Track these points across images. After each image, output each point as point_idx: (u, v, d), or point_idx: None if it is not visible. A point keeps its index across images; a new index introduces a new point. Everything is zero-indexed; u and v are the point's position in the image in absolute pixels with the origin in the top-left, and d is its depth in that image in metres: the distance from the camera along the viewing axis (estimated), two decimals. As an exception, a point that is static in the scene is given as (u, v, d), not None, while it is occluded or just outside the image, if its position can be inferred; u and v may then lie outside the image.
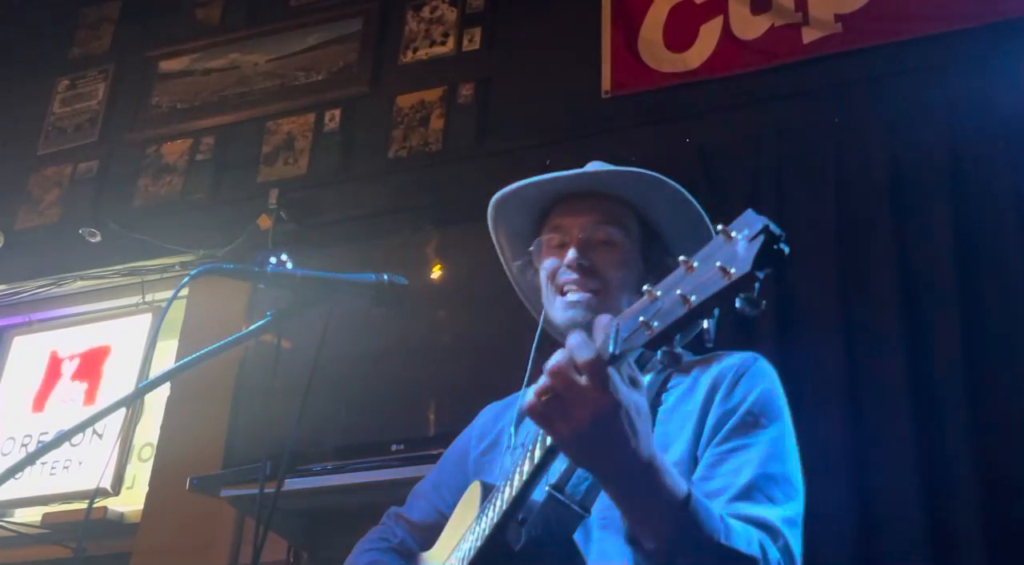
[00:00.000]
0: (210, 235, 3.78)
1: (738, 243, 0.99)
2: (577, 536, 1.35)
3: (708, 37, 3.35)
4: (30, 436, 3.89)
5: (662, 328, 1.06)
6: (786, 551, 1.32)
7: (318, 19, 4.12)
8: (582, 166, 1.74)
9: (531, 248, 1.72)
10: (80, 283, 4.06)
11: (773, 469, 1.40)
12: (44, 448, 1.97)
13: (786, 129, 3.02)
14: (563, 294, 1.62)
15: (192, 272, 1.69)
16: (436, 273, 3.21)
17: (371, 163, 3.74)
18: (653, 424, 1.51)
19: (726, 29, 3.34)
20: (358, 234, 3.55)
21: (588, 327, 1.19)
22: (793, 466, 1.45)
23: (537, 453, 1.28)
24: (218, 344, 1.68)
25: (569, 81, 3.52)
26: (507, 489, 1.35)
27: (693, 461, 1.46)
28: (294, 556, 3.18)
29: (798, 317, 2.73)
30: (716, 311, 1.02)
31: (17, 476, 1.60)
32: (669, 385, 1.56)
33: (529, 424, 1.62)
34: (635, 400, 1.16)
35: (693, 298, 1.02)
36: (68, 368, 4.03)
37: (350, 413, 3.07)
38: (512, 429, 1.70)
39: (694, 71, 3.33)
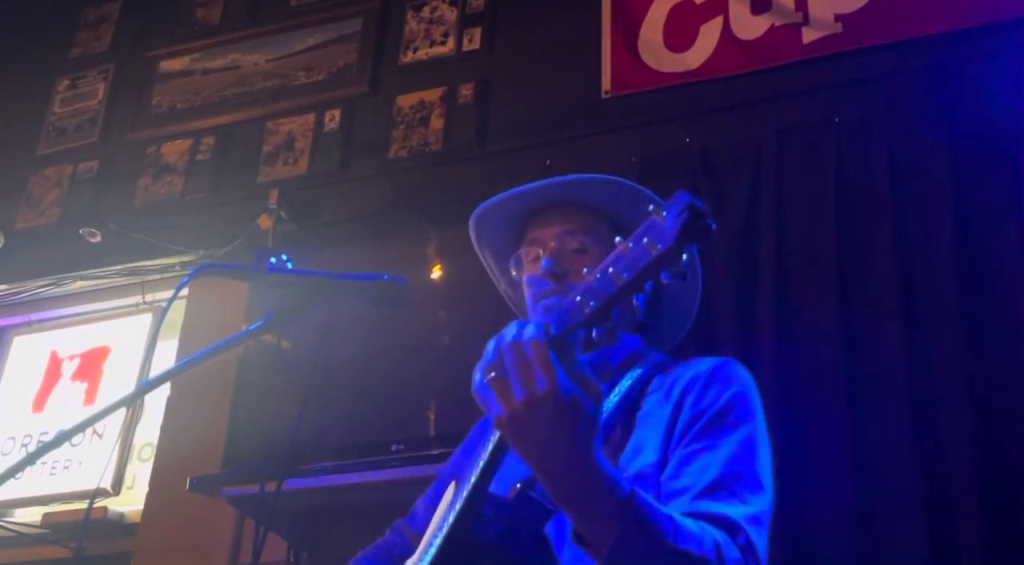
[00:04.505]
0: (210, 235, 3.77)
1: (666, 221, 1.06)
2: (554, 535, 1.35)
3: (708, 37, 3.35)
4: (30, 436, 3.89)
5: (597, 305, 1.11)
6: (748, 548, 1.31)
7: (318, 19, 4.11)
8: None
9: (510, 265, 1.74)
10: (80, 283, 4.05)
11: (740, 467, 1.40)
12: (44, 448, 1.97)
13: (786, 129, 3.02)
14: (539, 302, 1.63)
15: (192, 272, 1.69)
16: (436, 273, 3.20)
17: (371, 163, 3.73)
18: (632, 429, 1.51)
19: (726, 29, 3.33)
20: (358, 234, 3.54)
21: None
22: (763, 466, 1.44)
23: (494, 437, 1.29)
24: (218, 344, 1.68)
25: (569, 81, 3.52)
26: (471, 479, 1.34)
27: (665, 463, 1.46)
28: (294, 556, 3.18)
29: (797, 316, 2.73)
30: (648, 285, 1.08)
31: (17, 476, 1.60)
32: (649, 389, 1.57)
33: None
34: (577, 397, 1.14)
35: (625, 275, 1.09)
36: (68, 368, 4.03)
37: (350, 413, 3.06)
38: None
39: (694, 71, 3.32)
